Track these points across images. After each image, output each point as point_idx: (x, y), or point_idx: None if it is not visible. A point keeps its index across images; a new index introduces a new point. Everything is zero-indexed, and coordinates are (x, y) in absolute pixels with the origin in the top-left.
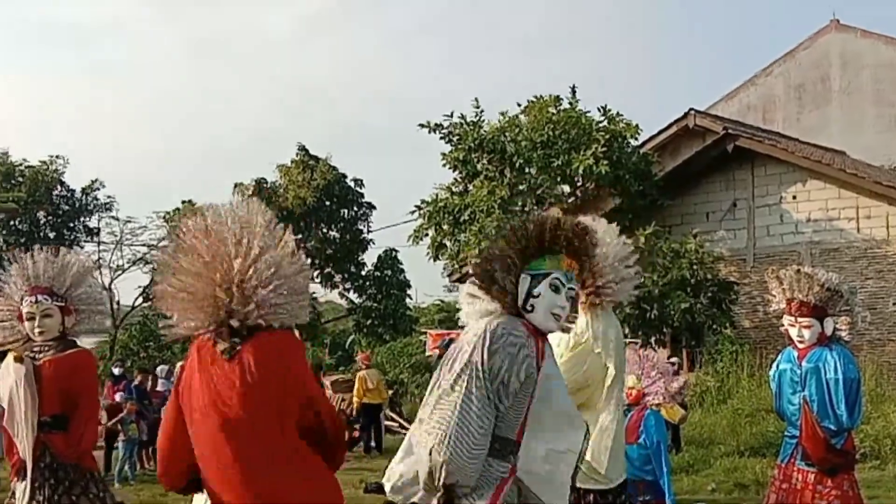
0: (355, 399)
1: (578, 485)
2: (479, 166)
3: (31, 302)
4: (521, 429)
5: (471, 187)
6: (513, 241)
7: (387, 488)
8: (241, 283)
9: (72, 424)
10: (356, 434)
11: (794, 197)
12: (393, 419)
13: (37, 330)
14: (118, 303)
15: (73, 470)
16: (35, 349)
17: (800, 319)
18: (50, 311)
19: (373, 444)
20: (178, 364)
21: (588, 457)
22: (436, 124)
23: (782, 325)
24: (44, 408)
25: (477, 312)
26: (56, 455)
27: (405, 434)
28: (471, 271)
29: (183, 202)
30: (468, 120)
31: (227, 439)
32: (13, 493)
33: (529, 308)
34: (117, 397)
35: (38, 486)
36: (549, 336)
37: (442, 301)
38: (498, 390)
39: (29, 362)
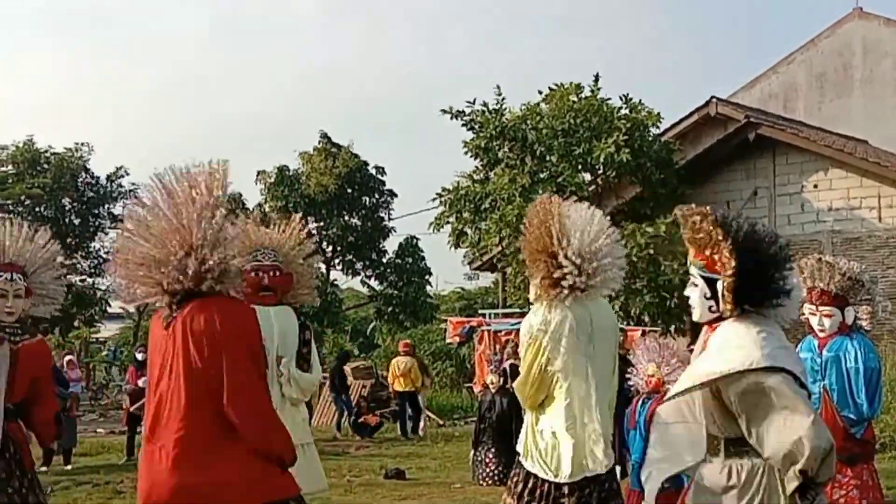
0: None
1: (533, 471)
2: (500, 154)
3: (5, 279)
4: None
5: (492, 175)
6: None
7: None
8: (196, 249)
9: (35, 411)
10: (376, 420)
11: (816, 186)
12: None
13: (7, 309)
14: None
15: (46, 457)
16: (8, 331)
17: (821, 308)
18: (20, 292)
19: (409, 429)
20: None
21: (543, 450)
22: (458, 111)
23: (802, 314)
24: (13, 395)
25: None
26: (16, 444)
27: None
28: None
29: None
30: (490, 107)
31: (168, 404)
32: None
33: None
34: (140, 382)
35: (5, 477)
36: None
37: (462, 289)
38: None
39: (7, 346)
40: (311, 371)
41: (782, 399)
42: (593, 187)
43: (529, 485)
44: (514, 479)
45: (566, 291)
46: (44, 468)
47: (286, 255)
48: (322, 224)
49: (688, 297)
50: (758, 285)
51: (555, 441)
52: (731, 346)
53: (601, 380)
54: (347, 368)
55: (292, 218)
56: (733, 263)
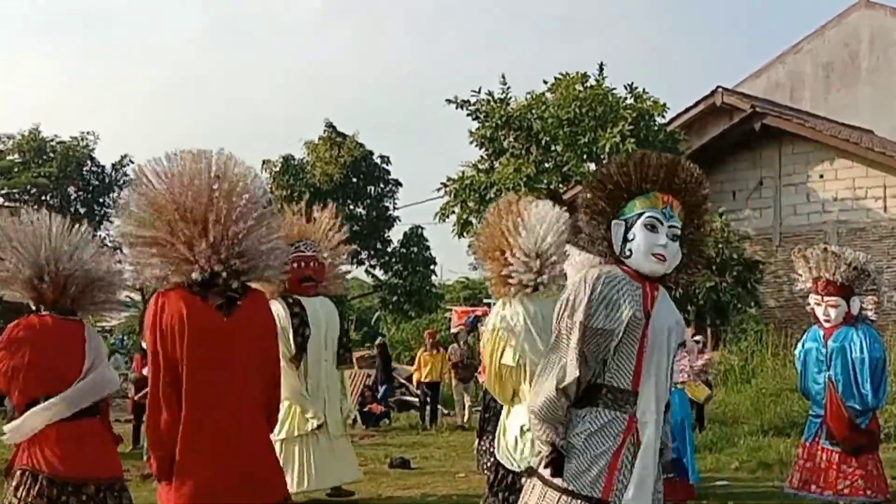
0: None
1: (502, 461)
2: (505, 144)
3: None
4: (636, 378)
5: (497, 165)
6: (598, 189)
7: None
8: (236, 242)
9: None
10: (380, 409)
11: (822, 176)
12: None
13: None
14: None
15: None
16: None
17: (826, 298)
18: None
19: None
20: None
21: (509, 444)
22: (463, 100)
23: (808, 305)
24: None
25: (574, 266)
26: None
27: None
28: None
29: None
30: (495, 97)
31: (243, 383)
32: None
33: (628, 253)
34: (145, 371)
35: None
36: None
37: (467, 278)
38: (597, 339)
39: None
40: (350, 358)
41: None
42: None
43: (499, 475)
44: (489, 468)
45: (513, 289)
46: None
47: (319, 244)
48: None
49: (694, 286)
50: None
51: (521, 436)
52: None
53: None
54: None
55: (326, 207)
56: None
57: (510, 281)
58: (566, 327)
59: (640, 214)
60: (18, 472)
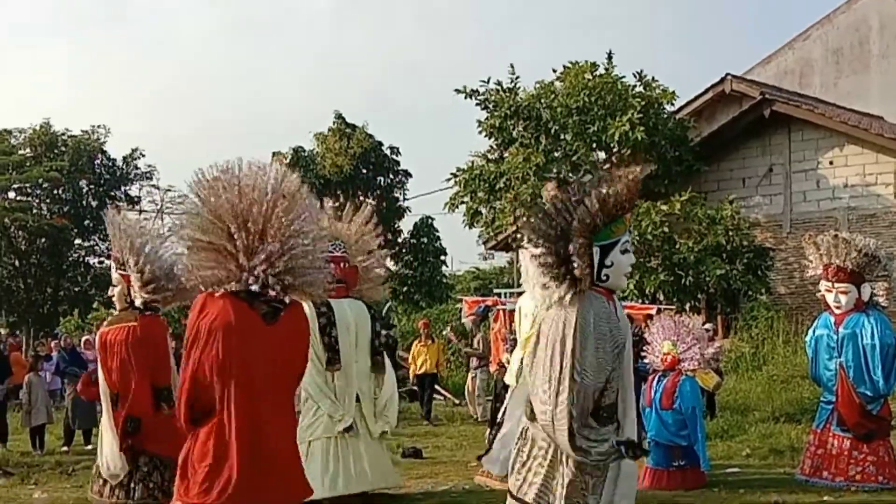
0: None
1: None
2: (514, 133)
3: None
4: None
5: (506, 154)
6: (583, 224)
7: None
8: (290, 258)
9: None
10: None
11: (831, 162)
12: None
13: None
14: None
15: None
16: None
17: (837, 285)
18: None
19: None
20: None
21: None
22: (472, 90)
23: (818, 291)
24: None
25: (550, 297)
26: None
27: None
28: (533, 253)
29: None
30: (504, 87)
31: (279, 387)
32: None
33: (604, 278)
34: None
35: None
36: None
37: (477, 268)
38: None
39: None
40: (382, 361)
41: None
42: (608, 166)
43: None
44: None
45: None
46: (64, 448)
47: (350, 246)
48: (337, 205)
49: (705, 273)
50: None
51: None
52: None
53: None
54: None
55: (362, 208)
56: None
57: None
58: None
59: (617, 241)
60: None
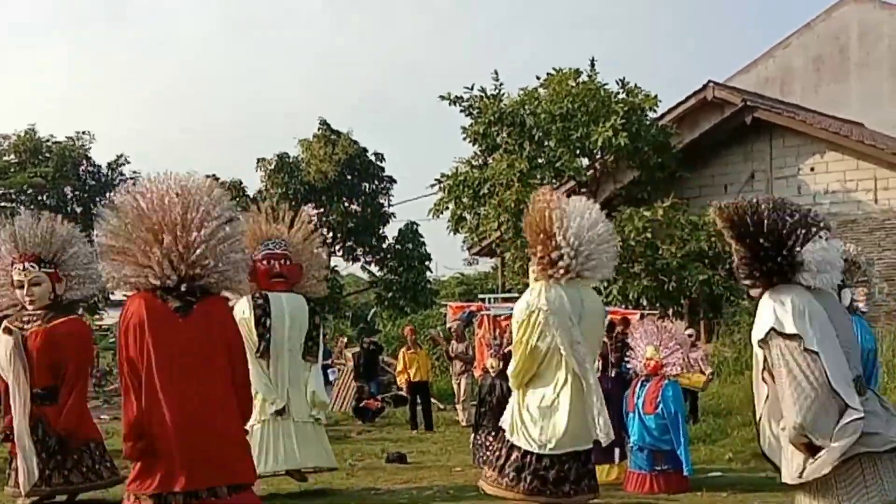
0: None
1: (515, 442)
2: (498, 140)
3: (19, 270)
4: None
5: (490, 161)
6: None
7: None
8: (188, 251)
9: (60, 395)
10: (377, 405)
11: (812, 168)
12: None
13: (27, 298)
14: None
15: (63, 443)
16: (24, 318)
17: None
18: (38, 279)
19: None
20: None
21: (530, 423)
22: (456, 97)
23: None
24: (34, 379)
25: None
26: (47, 428)
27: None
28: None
29: (207, 177)
30: (488, 93)
31: (200, 382)
32: (15, 469)
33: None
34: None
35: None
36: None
37: (462, 274)
38: None
39: (17, 333)
40: (317, 350)
41: (778, 367)
42: (591, 172)
43: (512, 457)
44: (497, 454)
45: (561, 272)
46: None
47: (295, 246)
48: (322, 210)
49: (687, 279)
50: (763, 264)
51: (546, 413)
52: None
53: (590, 359)
54: (348, 353)
55: (300, 211)
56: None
57: (560, 263)
58: None
59: None
60: None
